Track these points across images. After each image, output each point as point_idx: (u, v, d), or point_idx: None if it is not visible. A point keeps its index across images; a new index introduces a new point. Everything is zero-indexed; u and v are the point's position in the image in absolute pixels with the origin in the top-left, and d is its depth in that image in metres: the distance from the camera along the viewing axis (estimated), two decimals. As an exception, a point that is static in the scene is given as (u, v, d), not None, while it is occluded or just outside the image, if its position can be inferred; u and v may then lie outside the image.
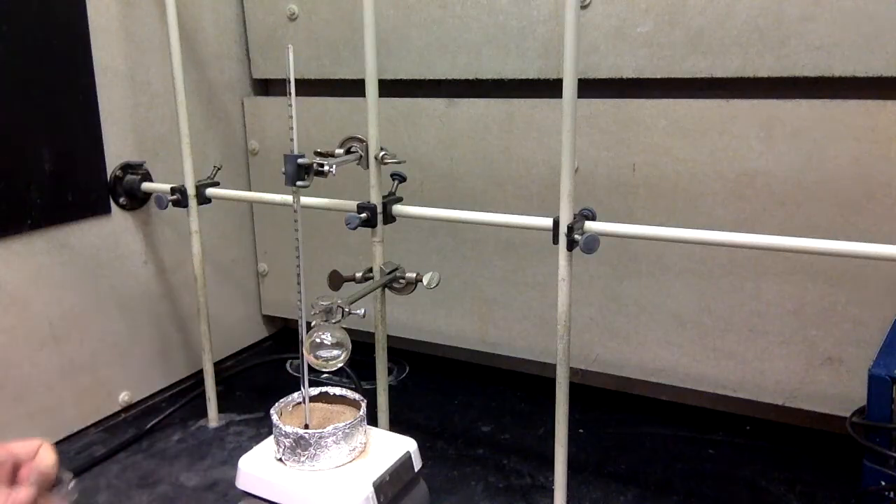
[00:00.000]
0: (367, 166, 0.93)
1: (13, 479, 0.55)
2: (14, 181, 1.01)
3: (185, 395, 1.25)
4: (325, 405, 0.76)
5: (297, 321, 0.73)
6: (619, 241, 1.05)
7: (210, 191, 1.10)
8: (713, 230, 0.81)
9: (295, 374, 1.36)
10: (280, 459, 0.70)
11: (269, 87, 1.41)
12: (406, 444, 0.74)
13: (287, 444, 0.69)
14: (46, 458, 0.55)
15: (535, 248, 1.16)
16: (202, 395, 1.19)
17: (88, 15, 1.08)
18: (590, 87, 1.03)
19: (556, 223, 0.81)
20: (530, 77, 1.11)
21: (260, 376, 1.35)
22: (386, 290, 0.96)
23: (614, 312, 1.14)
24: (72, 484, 0.58)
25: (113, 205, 1.15)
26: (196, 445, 1.11)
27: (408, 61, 1.19)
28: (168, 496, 0.98)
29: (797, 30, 0.94)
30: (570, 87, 0.77)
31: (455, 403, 1.25)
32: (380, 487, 0.67)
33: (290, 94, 0.70)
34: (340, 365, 0.73)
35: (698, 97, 1.01)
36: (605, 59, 1.05)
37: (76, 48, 1.07)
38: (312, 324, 0.74)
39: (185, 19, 1.23)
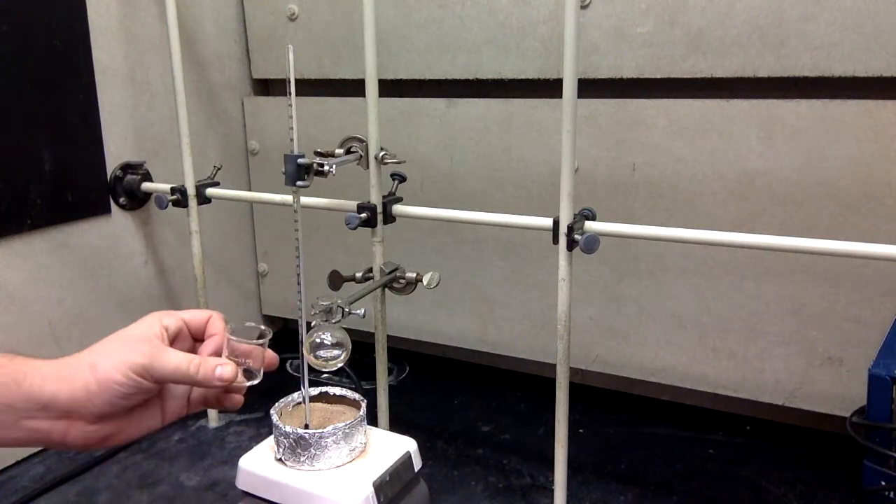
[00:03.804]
0: (367, 166, 0.93)
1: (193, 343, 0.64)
2: (14, 181, 1.01)
3: (185, 395, 1.24)
4: (325, 405, 0.76)
5: (297, 321, 0.72)
6: (619, 241, 1.04)
7: (210, 191, 1.10)
8: (713, 230, 0.81)
9: (295, 374, 1.36)
10: (280, 459, 0.70)
11: (269, 87, 1.41)
12: (406, 444, 0.74)
13: (287, 444, 0.69)
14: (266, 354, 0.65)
15: (535, 248, 1.16)
16: (202, 395, 1.18)
17: (88, 15, 1.08)
18: (590, 87, 1.03)
19: (556, 223, 0.81)
20: (530, 77, 1.11)
21: (260, 376, 1.35)
22: (386, 290, 0.96)
23: (614, 312, 1.14)
24: (269, 335, 0.65)
25: (113, 205, 1.15)
26: (196, 445, 1.11)
27: (408, 61, 1.19)
28: (168, 496, 0.98)
29: (797, 30, 0.94)
30: (570, 87, 0.77)
31: (455, 403, 1.25)
32: (380, 487, 0.67)
33: (290, 94, 0.70)
34: (340, 365, 0.73)
35: (698, 97, 1.01)
36: (605, 59, 1.05)
37: (76, 48, 1.07)
38: (312, 324, 0.74)
39: (185, 19, 1.23)
